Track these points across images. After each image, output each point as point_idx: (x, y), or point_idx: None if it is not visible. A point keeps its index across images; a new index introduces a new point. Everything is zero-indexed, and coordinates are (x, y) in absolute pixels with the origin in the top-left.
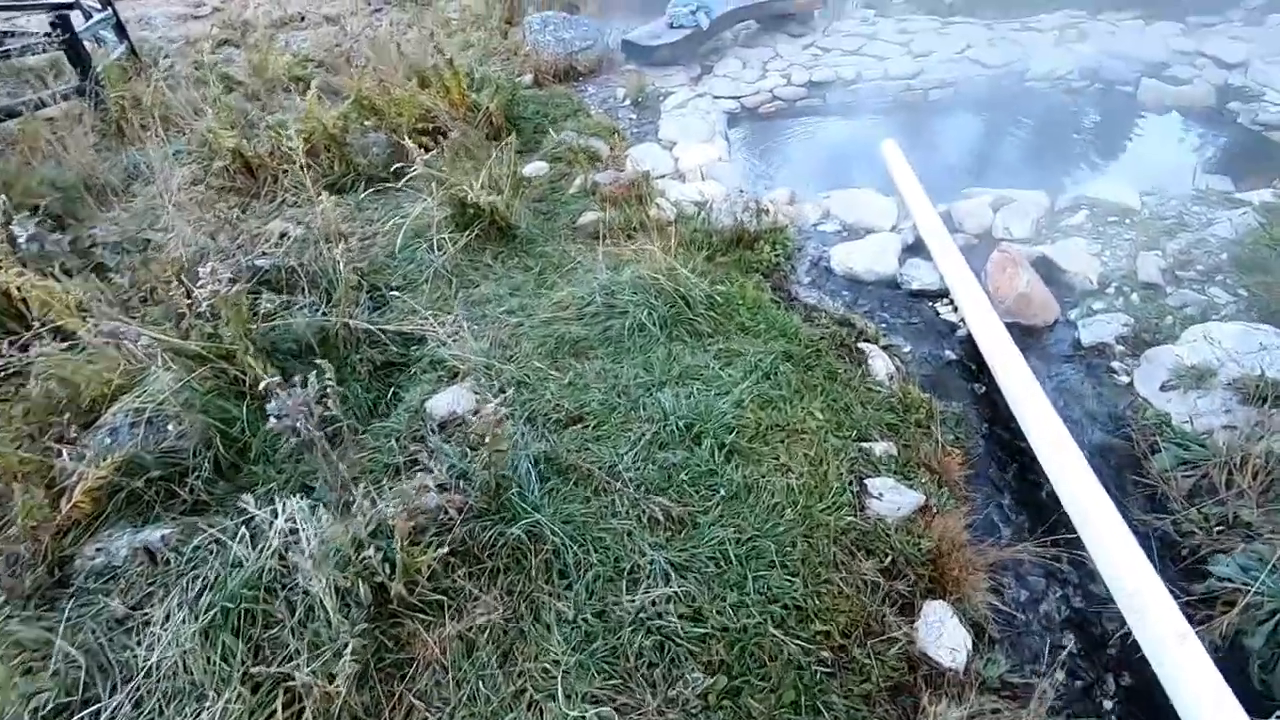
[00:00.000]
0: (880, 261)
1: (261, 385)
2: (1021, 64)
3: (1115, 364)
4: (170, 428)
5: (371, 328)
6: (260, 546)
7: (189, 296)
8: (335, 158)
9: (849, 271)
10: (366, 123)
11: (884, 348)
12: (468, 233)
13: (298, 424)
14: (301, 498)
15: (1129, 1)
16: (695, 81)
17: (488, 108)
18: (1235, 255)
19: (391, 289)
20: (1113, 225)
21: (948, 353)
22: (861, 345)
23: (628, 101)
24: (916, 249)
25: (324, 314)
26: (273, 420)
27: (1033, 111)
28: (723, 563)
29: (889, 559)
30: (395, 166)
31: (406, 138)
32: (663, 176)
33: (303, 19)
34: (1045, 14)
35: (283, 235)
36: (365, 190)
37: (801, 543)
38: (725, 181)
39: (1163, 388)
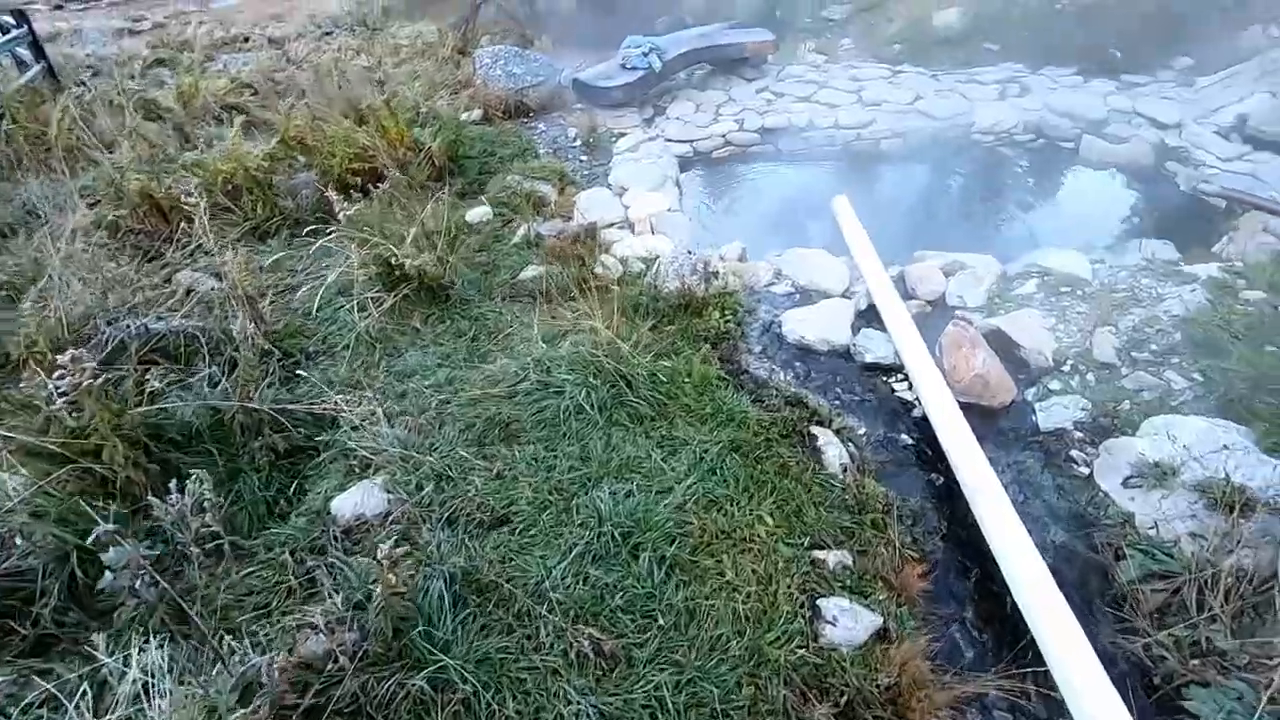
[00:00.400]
0: (833, 331)
1: (90, 539)
2: (967, 117)
3: (1075, 452)
4: (18, 542)
5: (275, 410)
6: (106, 709)
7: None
8: (259, 200)
9: (801, 341)
10: (297, 161)
11: (837, 431)
12: (396, 293)
13: (137, 584)
14: (165, 640)
15: (1066, 58)
16: (648, 123)
17: (429, 147)
18: (1189, 335)
19: (308, 356)
20: (1065, 296)
21: (904, 436)
22: (814, 429)
23: (579, 142)
24: (870, 315)
25: (225, 389)
26: (108, 577)
27: (979, 165)
28: (659, 713)
29: (844, 699)
30: (324, 211)
31: (334, 184)
32: (611, 225)
33: (246, 40)
34: (989, 67)
35: (189, 291)
36: (290, 236)
37: (748, 684)
38: (676, 234)
39: (1125, 484)
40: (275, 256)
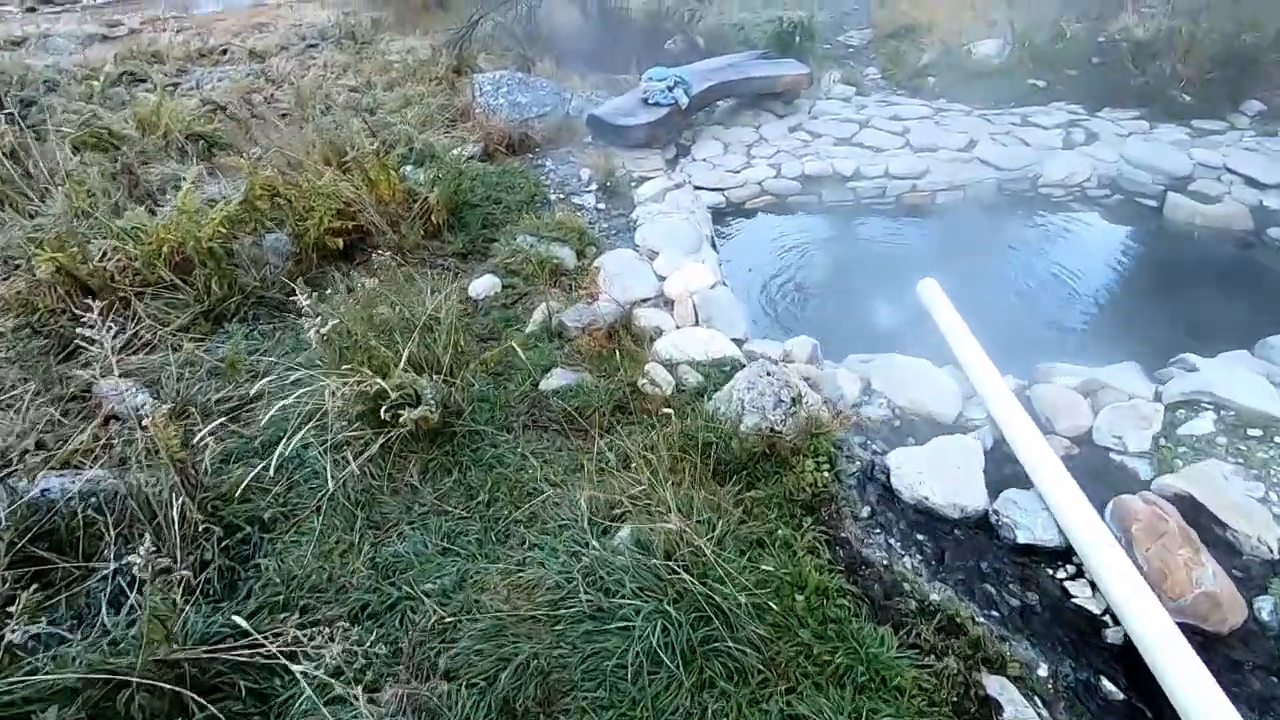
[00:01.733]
0: (964, 489)
1: None
2: (1034, 167)
3: None
4: None
5: (204, 657)
6: None
7: None
8: (213, 275)
9: (923, 502)
10: (265, 221)
11: (1015, 679)
12: (385, 435)
13: None
14: None
15: (1125, 99)
16: (671, 165)
17: (427, 199)
18: None
19: (263, 526)
20: (1258, 443)
21: (1106, 682)
22: (986, 679)
23: (594, 186)
24: (1001, 458)
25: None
26: None
27: (1057, 227)
28: None
29: None
30: (301, 279)
31: (311, 249)
32: (645, 301)
33: (225, 53)
34: (1039, 106)
35: (109, 419)
36: (253, 318)
37: None
38: (725, 319)
39: None
40: (229, 352)
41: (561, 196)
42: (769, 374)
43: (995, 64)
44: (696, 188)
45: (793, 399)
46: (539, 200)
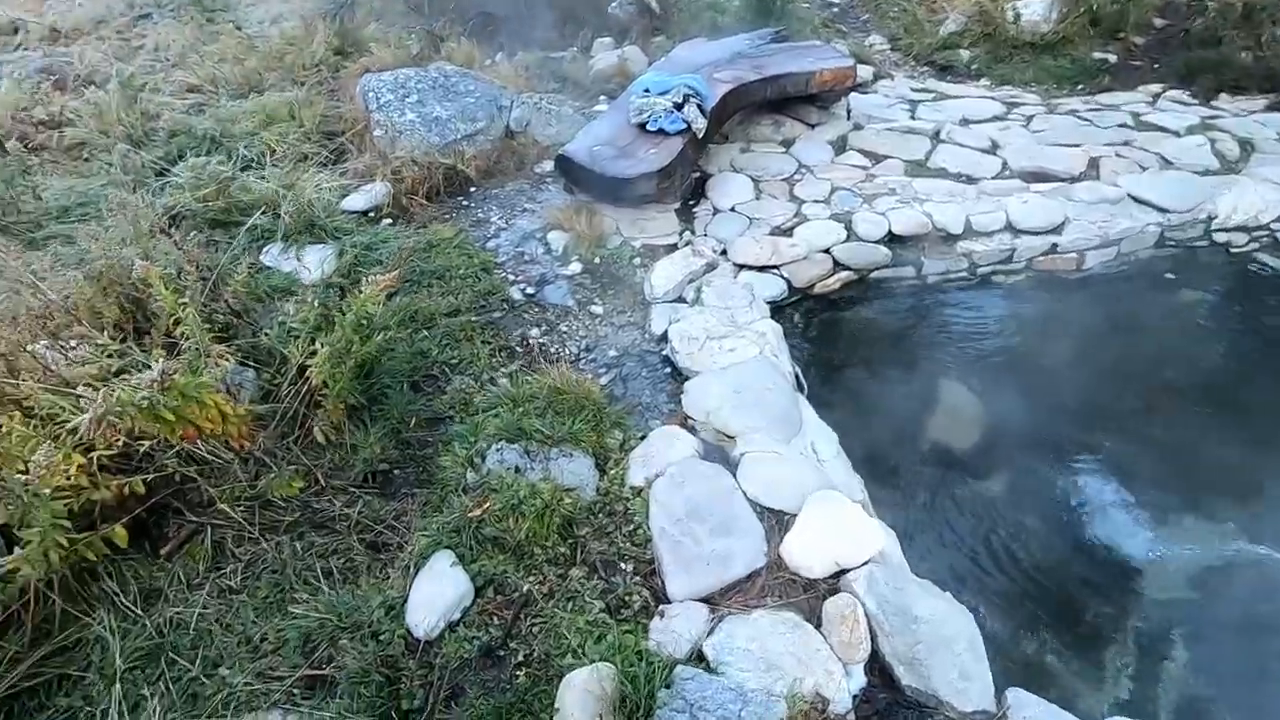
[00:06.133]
0: None
1: None
2: (1205, 205)
3: None
4: None
5: None
6: None
7: None
8: None
9: None
10: None
11: None
12: None
13: None
14: None
15: (1240, 81)
16: (686, 220)
17: (308, 383)
18: None
19: None
20: None
21: None
22: None
23: (574, 265)
24: None
25: None
26: None
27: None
28: None
29: None
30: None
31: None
32: (737, 592)
33: (16, 31)
34: (1124, 92)
35: None
36: None
37: None
38: (945, 663)
39: None
40: None
41: (526, 291)
42: None
43: (1047, 30)
44: (738, 266)
45: None
46: (495, 302)
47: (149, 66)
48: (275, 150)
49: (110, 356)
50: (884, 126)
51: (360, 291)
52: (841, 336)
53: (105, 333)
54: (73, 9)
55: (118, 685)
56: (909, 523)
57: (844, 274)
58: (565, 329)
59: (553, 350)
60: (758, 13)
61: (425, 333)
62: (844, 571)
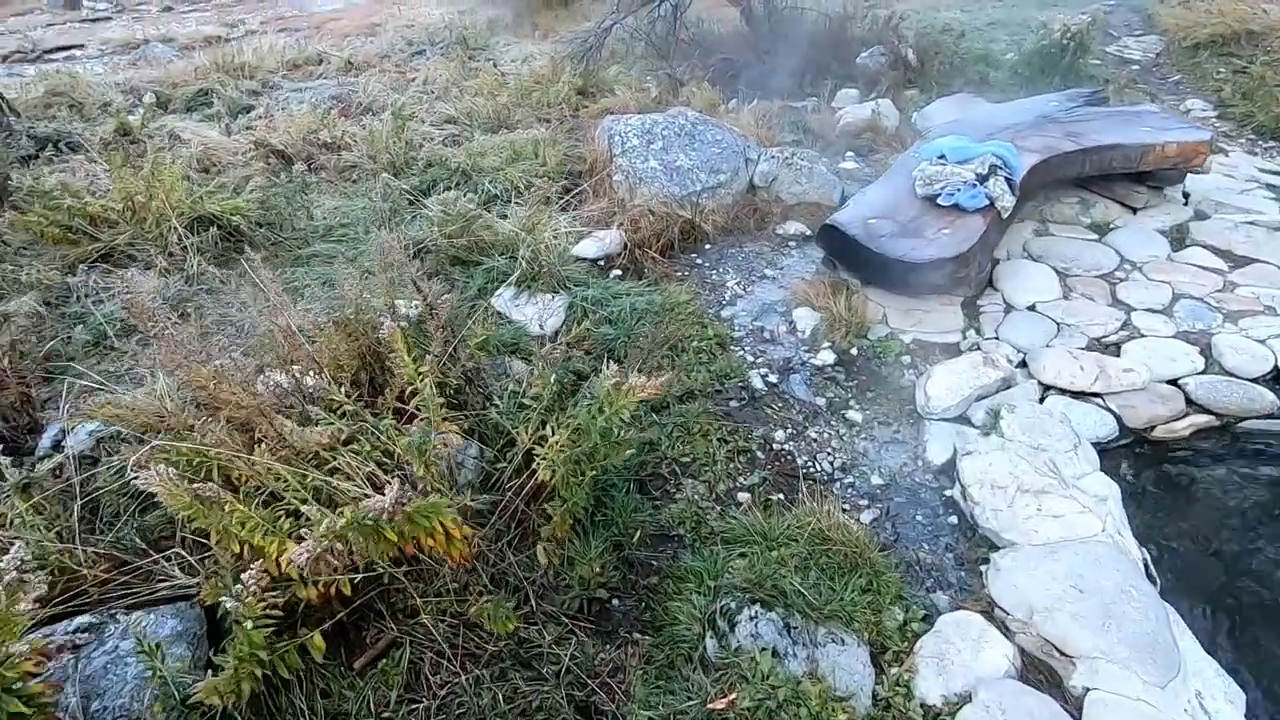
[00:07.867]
0: None
1: None
2: None
3: None
4: None
5: None
6: None
7: None
8: None
9: None
10: None
11: None
12: None
13: None
14: None
15: None
16: (971, 316)
17: (536, 486)
18: None
19: None
20: None
21: None
22: None
23: (827, 352)
24: None
25: None
26: None
27: None
28: None
29: None
30: None
31: None
32: None
33: (320, 62)
34: None
35: None
36: None
37: None
38: None
39: None
40: None
41: (768, 378)
42: None
43: None
44: (1044, 387)
45: None
46: (733, 388)
47: (416, 98)
48: (520, 189)
49: (343, 416)
50: (1242, 218)
51: (607, 384)
52: (1192, 508)
53: (342, 389)
54: (365, 45)
55: None
56: None
57: (1200, 418)
58: (815, 436)
59: (801, 463)
60: (1039, 70)
61: (654, 417)
62: None
